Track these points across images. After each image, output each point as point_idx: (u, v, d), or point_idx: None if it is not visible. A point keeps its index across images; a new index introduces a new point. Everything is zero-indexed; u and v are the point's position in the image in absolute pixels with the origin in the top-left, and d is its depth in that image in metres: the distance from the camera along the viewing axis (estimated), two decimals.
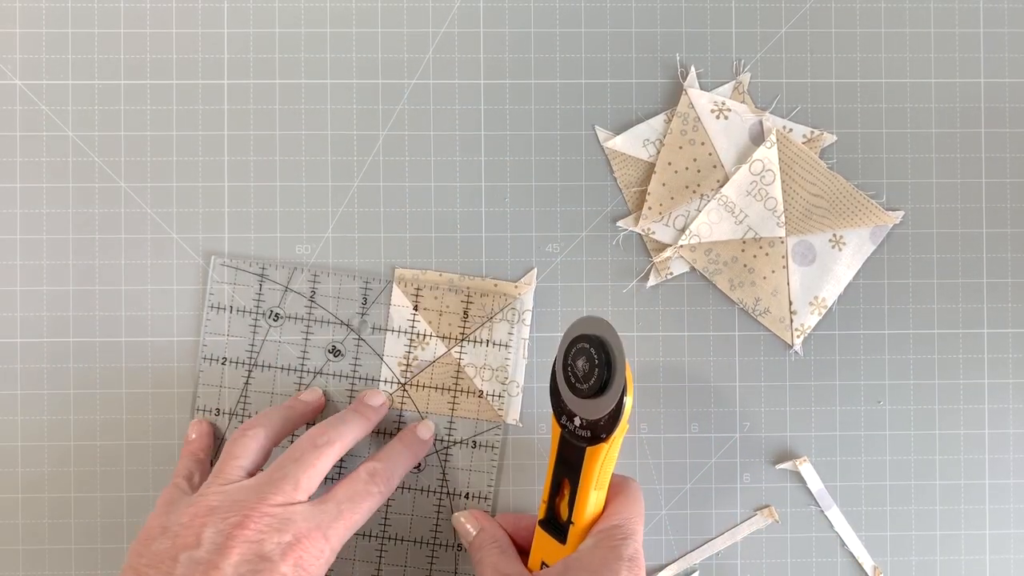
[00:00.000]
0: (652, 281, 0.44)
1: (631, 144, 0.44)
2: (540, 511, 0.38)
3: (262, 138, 0.44)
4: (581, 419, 0.35)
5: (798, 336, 0.44)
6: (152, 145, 0.44)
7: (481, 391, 0.44)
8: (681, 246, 0.44)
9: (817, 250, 0.44)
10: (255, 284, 0.44)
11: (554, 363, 0.36)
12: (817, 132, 0.44)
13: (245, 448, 0.38)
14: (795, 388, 0.44)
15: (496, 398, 0.44)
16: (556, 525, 0.37)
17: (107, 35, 0.44)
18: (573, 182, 0.44)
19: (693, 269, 0.44)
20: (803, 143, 0.44)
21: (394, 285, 0.44)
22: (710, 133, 0.44)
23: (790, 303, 0.44)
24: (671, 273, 0.44)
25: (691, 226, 0.44)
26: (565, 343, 0.36)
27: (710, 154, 0.44)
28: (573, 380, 0.35)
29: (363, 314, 0.44)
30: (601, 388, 0.34)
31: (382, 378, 0.44)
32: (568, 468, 0.36)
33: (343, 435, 0.39)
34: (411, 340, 0.44)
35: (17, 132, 0.43)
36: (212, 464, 0.42)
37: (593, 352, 0.34)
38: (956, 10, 0.45)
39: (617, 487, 0.38)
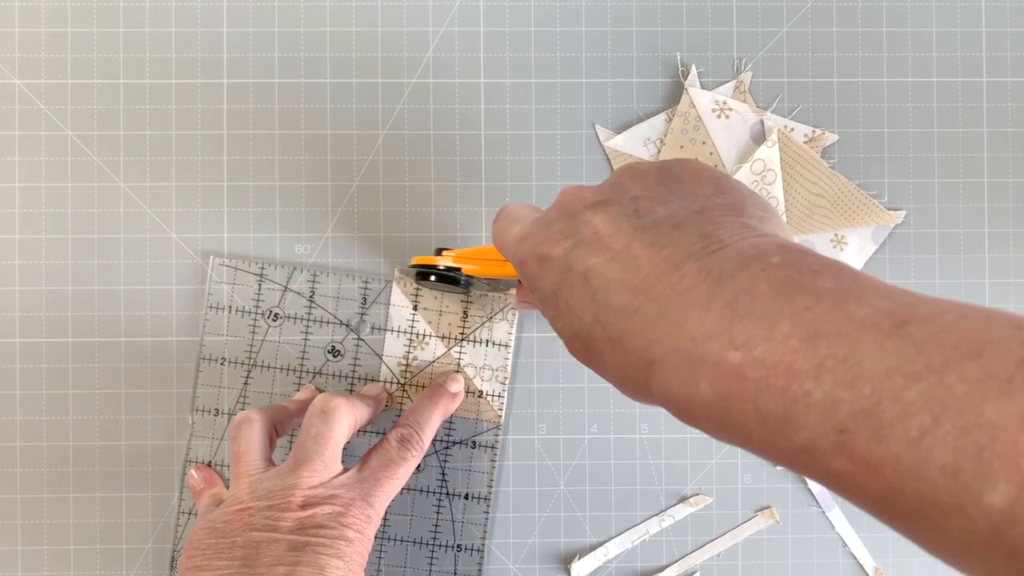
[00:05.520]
0: None
1: (632, 143, 0.44)
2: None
3: (261, 137, 0.44)
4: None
5: None
6: (151, 144, 0.44)
7: (481, 391, 0.44)
8: None
9: (819, 250, 0.44)
10: (254, 284, 0.44)
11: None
12: (819, 131, 0.44)
13: (247, 440, 0.37)
14: None
15: (496, 398, 0.44)
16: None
17: (106, 34, 0.43)
18: (574, 181, 0.44)
19: None
20: (804, 142, 0.44)
21: (394, 285, 0.44)
22: (711, 132, 0.44)
23: None
24: None
25: None
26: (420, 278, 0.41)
27: (711, 153, 0.44)
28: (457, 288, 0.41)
29: (362, 314, 0.44)
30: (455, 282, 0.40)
31: (381, 378, 0.44)
32: (504, 284, 0.42)
33: (348, 399, 0.38)
34: (411, 340, 0.44)
35: (16, 131, 0.43)
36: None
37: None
38: (958, 9, 0.44)
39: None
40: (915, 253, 0.44)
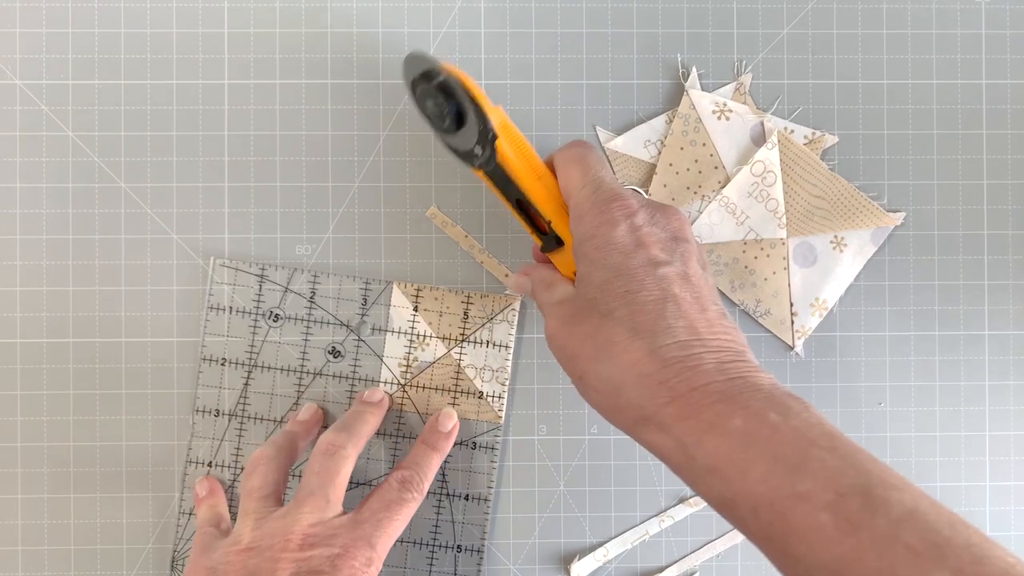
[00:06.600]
0: None
1: (632, 145, 0.44)
2: (536, 241, 0.38)
3: (262, 138, 0.44)
4: (469, 150, 0.34)
5: (799, 337, 0.44)
6: (152, 145, 0.44)
7: (481, 392, 0.44)
8: None
9: (818, 251, 0.44)
10: (255, 285, 0.44)
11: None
12: (818, 133, 0.44)
13: (263, 477, 0.38)
14: (796, 389, 0.44)
15: (496, 399, 0.44)
16: (552, 238, 0.37)
17: (107, 35, 0.43)
18: None
19: None
20: (804, 144, 0.44)
21: (394, 286, 0.44)
22: (711, 134, 0.44)
23: (791, 304, 0.44)
24: None
25: (692, 227, 0.44)
26: (409, 91, 0.35)
27: (711, 155, 0.44)
28: (435, 123, 0.34)
29: (363, 315, 0.44)
30: (459, 121, 0.34)
31: (382, 379, 0.44)
32: (509, 191, 0.36)
33: (353, 436, 0.39)
34: (411, 341, 0.44)
35: (17, 132, 0.43)
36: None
37: (434, 90, 0.33)
38: (958, 11, 0.44)
39: (555, 163, 0.36)
40: (914, 255, 0.44)
